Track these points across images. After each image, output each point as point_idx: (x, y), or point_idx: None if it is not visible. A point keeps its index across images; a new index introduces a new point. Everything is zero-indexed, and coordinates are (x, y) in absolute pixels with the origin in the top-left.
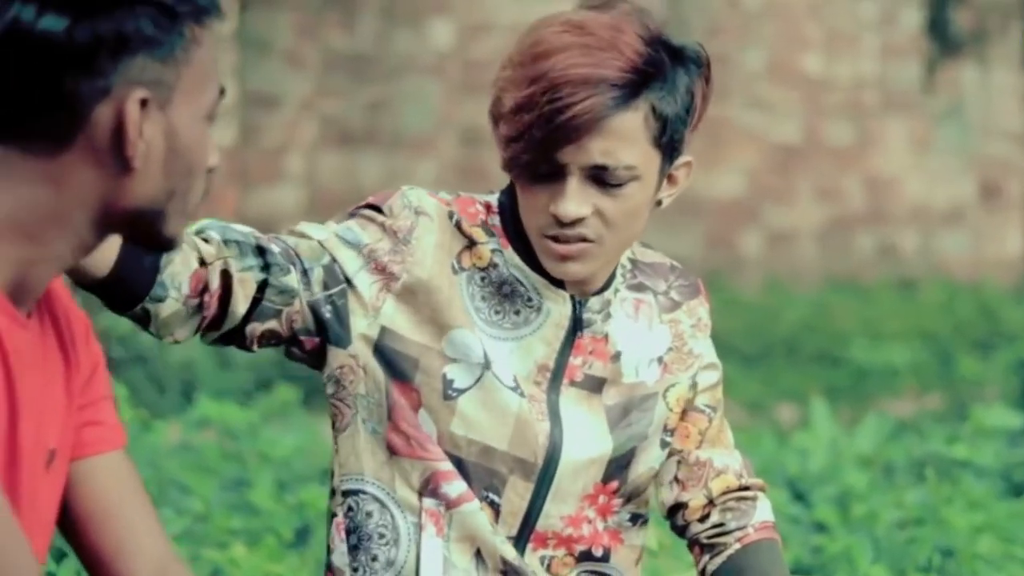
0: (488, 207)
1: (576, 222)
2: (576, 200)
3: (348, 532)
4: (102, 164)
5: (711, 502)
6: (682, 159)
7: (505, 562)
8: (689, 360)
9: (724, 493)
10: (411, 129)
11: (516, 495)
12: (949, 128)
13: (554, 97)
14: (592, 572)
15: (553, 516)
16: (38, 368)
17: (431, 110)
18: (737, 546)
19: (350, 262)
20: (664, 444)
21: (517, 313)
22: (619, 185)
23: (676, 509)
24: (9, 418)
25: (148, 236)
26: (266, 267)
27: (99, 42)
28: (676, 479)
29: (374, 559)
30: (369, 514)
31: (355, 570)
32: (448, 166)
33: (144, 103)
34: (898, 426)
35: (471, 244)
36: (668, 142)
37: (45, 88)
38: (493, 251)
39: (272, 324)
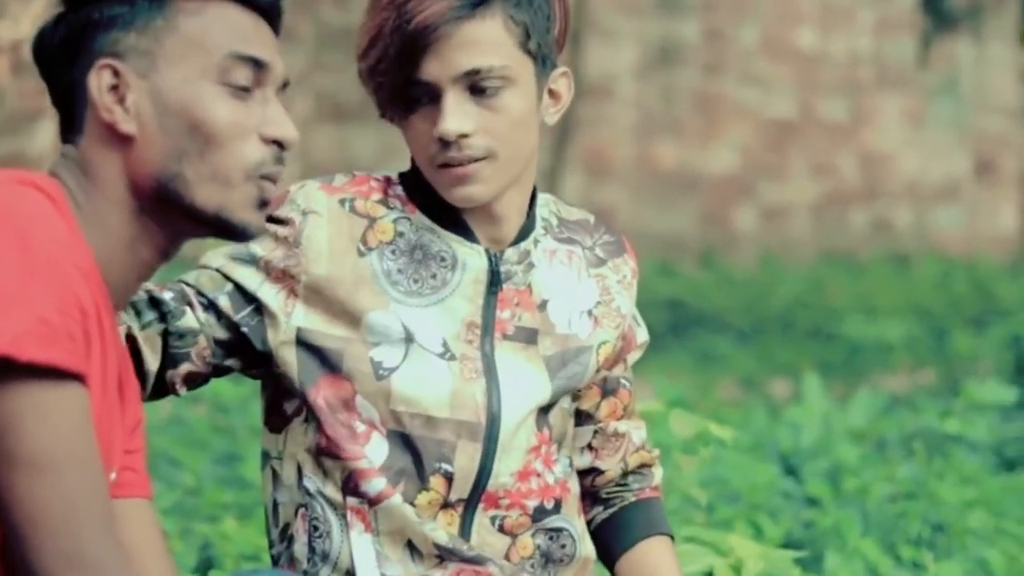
0: (388, 180)
1: (462, 141)
2: (456, 114)
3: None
4: (107, 140)
5: (624, 473)
6: (558, 70)
7: (439, 547)
8: (616, 318)
9: (639, 465)
10: None
11: (467, 458)
12: (944, 104)
13: (402, 11)
14: (547, 530)
15: (504, 474)
16: (111, 386)
17: None
18: (632, 498)
19: (250, 279)
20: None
21: (434, 276)
22: (496, 92)
23: (587, 472)
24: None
25: (186, 211)
26: (162, 317)
27: (79, 29)
28: (590, 446)
29: (313, 551)
30: (304, 506)
31: (309, 560)
32: None
33: (116, 73)
34: (890, 401)
35: (371, 222)
36: (537, 49)
37: (57, 83)
38: (396, 220)
39: (187, 367)
